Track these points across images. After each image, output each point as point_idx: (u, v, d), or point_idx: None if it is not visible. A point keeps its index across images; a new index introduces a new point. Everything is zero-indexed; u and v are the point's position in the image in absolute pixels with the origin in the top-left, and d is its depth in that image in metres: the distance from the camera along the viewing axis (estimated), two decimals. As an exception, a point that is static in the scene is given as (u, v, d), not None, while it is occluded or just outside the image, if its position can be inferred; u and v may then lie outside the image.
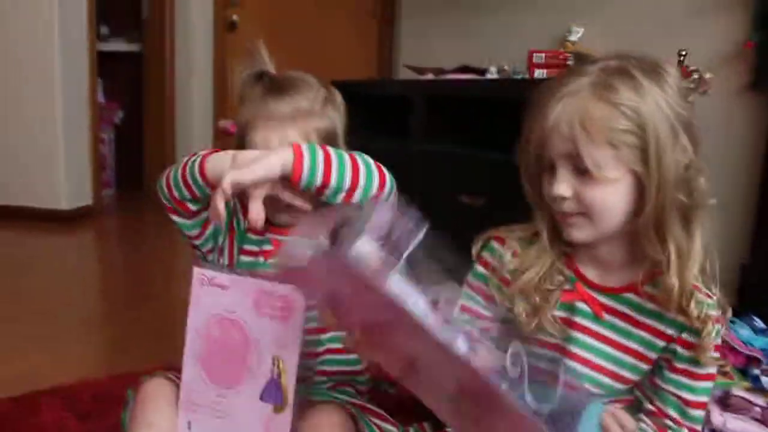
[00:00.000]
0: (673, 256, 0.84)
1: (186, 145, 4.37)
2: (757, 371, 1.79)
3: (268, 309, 0.92)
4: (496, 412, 0.71)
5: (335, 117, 1.08)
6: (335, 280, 0.68)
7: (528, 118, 0.89)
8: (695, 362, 0.88)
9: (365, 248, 0.60)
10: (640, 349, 0.90)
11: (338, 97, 1.12)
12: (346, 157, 0.91)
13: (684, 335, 0.88)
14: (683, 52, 2.15)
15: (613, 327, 0.91)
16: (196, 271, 0.93)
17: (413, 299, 0.60)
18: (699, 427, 0.91)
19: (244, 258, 1.12)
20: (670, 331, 0.89)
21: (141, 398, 1.00)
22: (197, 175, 0.97)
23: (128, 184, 4.38)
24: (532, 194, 0.93)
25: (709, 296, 0.87)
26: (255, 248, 1.11)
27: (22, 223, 3.28)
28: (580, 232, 0.87)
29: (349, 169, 0.90)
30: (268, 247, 1.11)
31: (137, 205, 4.11)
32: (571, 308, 0.92)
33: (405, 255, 0.62)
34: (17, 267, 2.63)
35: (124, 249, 3.08)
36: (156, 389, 1.01)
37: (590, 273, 0.93)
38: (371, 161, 0.94)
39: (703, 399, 0.90)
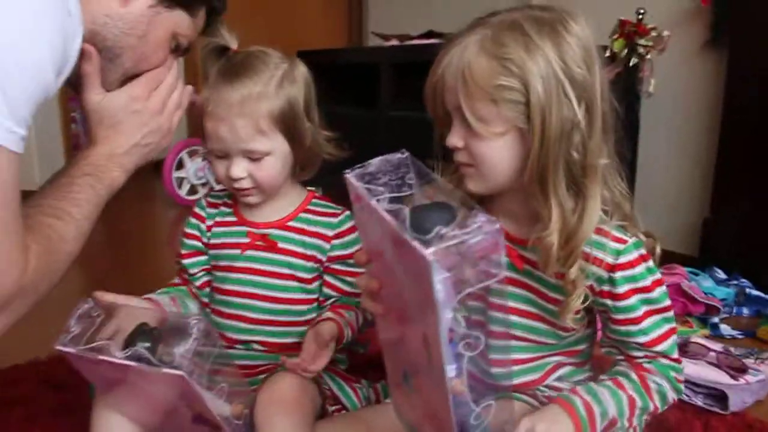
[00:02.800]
0: (554, 215, 0.82)
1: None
2: (716, 319, 1.86)
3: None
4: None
5: (294, 92, 1.06)
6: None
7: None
8: (629, 309, 0.87)
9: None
10: (558, 296, 0.89)
11: (300, 70, 1.09)
12: None
13: (605, 287, 0.87)
14: (641, 11, 2.17)
15: (530, 275, 0.91)
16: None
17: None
18: (675, 354, 0.89)
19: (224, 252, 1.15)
20: (586, 282, 0.86)
21: None
22: None
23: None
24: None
25: (623, 241, 0.85)
26: (230, 240, 1.15)
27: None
28: (473, 184, 0.88)
29: None
30: (243, 240, 1.13)
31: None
32: None
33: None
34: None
35: (103, 227, 3.04)
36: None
37: (506, 224, 0.90)
38: None
39: (661, 331, 0.88)
